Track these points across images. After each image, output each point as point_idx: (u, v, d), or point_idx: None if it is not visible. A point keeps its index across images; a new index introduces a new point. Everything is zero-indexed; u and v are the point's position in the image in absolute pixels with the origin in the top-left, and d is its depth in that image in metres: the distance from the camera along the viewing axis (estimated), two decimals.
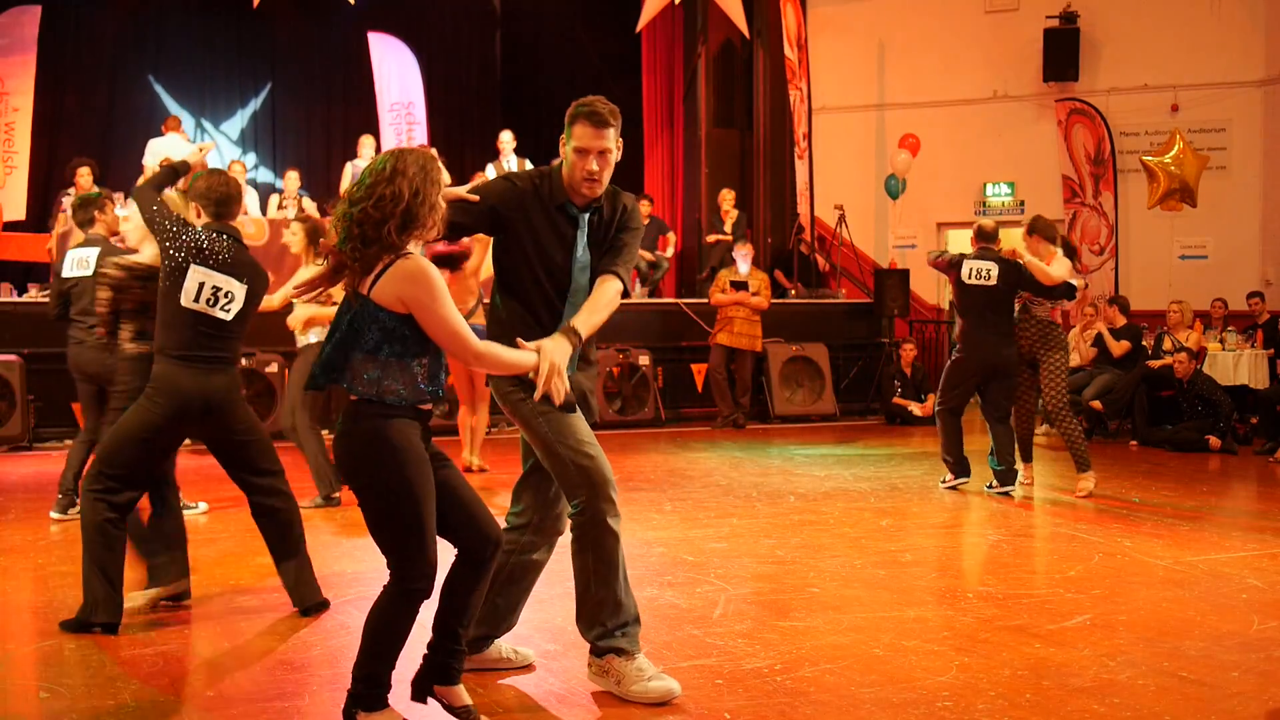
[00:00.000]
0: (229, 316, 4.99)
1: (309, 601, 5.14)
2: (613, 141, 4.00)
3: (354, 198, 3.47)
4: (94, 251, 7.24)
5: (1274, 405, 11.20)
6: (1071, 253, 8.99)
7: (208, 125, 18.19)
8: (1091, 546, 6.61)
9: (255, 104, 18.66)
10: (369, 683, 3.56)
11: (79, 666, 4.41)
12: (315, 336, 7.71)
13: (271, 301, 7.66)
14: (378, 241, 3.43)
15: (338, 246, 3.49)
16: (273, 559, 5.23)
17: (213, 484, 7.69)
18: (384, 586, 3.58)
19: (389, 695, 3.59)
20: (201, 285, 4.92)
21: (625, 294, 4.10)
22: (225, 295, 4.97)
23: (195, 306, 4.92)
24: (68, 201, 12.09)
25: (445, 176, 3.67)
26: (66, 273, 7.41)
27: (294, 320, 7.52)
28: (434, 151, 3.83)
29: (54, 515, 7.34)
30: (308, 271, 7.85)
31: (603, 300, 3.98)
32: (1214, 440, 11.01)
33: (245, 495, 5.21)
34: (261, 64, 18.70)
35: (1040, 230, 8.39)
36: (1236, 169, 15.36)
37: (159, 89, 17.87)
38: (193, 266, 4.92)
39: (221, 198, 5.13)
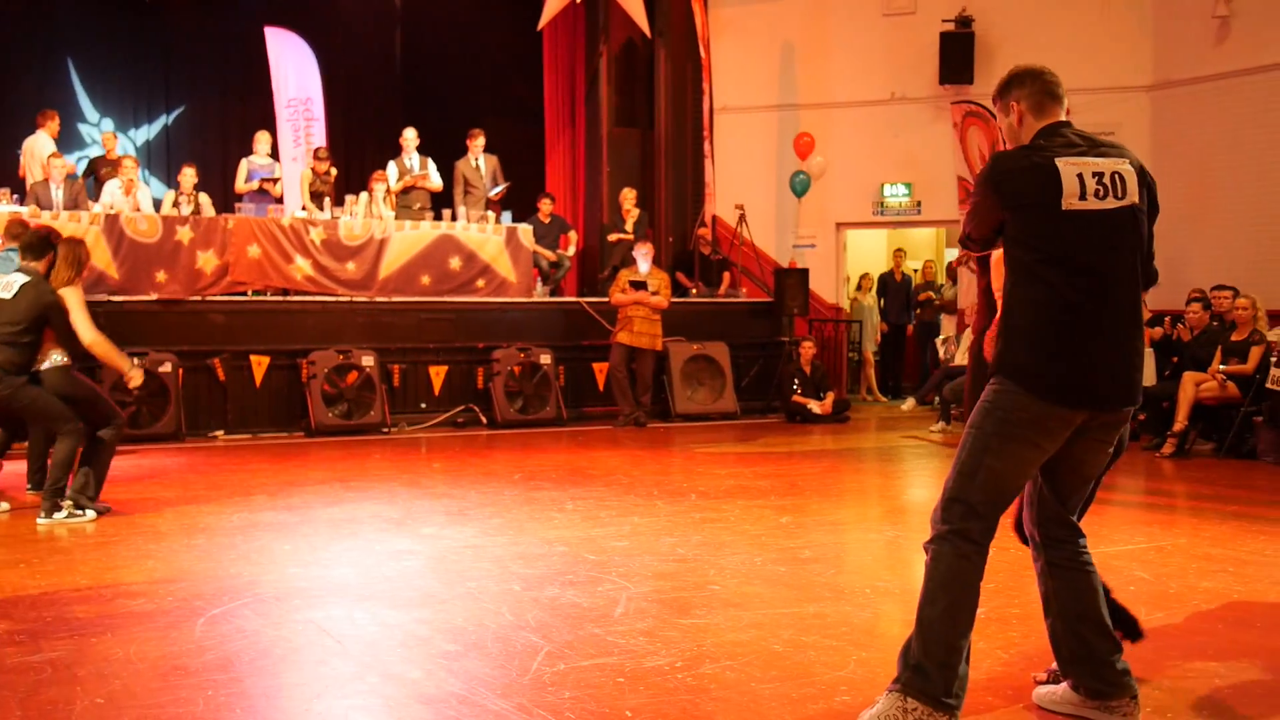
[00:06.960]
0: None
1: None
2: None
3: None
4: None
5: (1160, 402, 11.51)
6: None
7: (104, 119, 17.82)
8: None
9: (150, 98, 18.28)
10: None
11: None
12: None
13: None
14: None
15: None
16: None
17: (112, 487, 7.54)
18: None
19: None
20: None
21: None
22: None
23: None
24: None
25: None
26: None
27: None
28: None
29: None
30: None
31: None
32: None
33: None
34: (156, 58, 18.33)
35: None
36: None
37: (51, 81, 17.43)
38: None
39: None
